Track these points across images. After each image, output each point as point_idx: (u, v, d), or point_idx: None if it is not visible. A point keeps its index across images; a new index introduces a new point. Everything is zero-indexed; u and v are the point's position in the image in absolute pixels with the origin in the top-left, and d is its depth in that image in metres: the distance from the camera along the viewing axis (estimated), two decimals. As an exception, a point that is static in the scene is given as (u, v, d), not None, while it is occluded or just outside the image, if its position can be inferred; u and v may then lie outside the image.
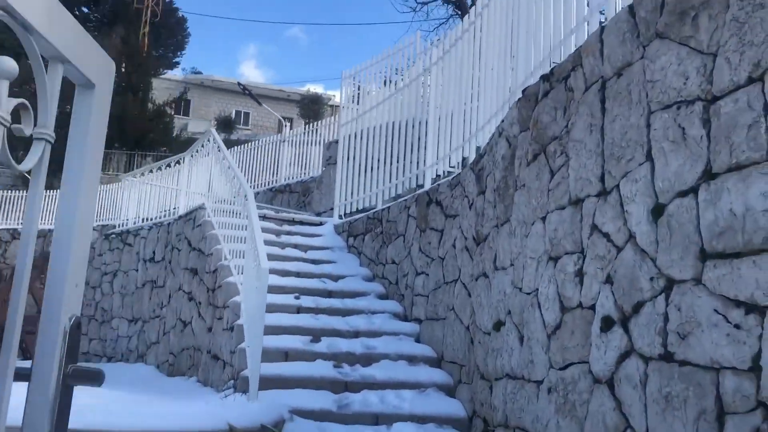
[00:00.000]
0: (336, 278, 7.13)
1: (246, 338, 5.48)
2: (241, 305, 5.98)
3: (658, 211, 2.69)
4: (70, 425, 1.13)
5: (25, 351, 15.33)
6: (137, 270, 9.33)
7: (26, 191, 21.11)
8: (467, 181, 5.40)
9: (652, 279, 2.67)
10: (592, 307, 3.06)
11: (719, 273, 2.34)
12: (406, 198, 6.92)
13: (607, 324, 2.91)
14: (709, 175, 2.45)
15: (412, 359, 5.68)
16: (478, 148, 5.90)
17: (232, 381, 5.50)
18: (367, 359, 5.59)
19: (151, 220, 9.67)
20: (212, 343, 6.53)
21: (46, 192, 21.28)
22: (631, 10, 3.02)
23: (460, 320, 5.25)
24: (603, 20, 3.62)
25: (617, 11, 3.29)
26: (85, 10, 42.27)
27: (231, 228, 7.04)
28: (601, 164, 3.12)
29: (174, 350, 7.69)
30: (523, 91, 4.12)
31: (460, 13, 19.47)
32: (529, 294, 3.69)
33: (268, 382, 5.00)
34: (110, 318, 9.80)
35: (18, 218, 20.71)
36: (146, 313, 8.80)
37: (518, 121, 4.14)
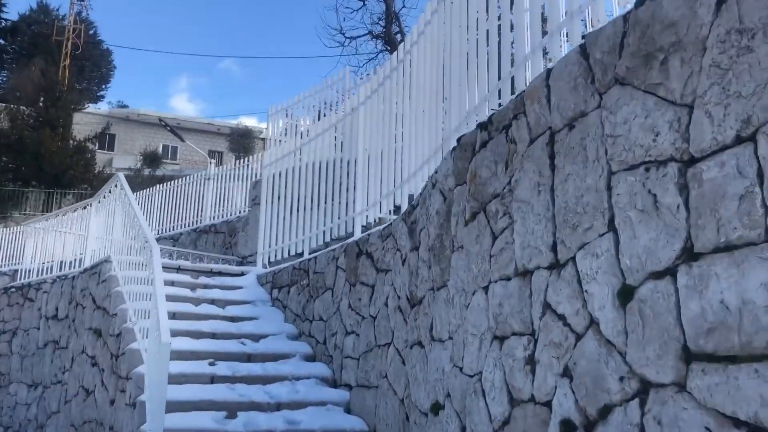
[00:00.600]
0: (257, 338, 6.45)
1: (148, 419, 4.75)
2: (144, 377, 5.23)
3: (625, 295, 2.20)
4: None
5: None
6: (39, 328, 8.39)
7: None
8: (399, 233, 4.87)
9: (622, 379, 2.17)
10: (548, 404, 2.54)
11: (710, 381, 1.85)
12: (334, 248, 6.34)
13: (567, 429, 2.39)
14: (690, 254, 1.97)
15: (341, 434, 5.05)
16: (410, 197, 5.41)
17: (131, 471, 4.74)
18: (290, 437, 4.93)
19: (55, 272, 8.76)
20: (114, 419, 5.73)
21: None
22: (583, 51, 2.57)
23: (393, 391, 4.67)
24: (549, 59, 3.18)
25: (565, 52, 2.84)
26: (1, 41, 40.48)
27: (139, 282, 6.29)
28: (552, 231, 2.64)
29: (75, 422, 6.81)
30: (458, 140, 3.63)
31: (389, 48, 19.23)
32: (471, 377, 3.16)
33: (172, 475, 4.28)
34: (8, 383, 8.76)
35: None
36: (47, 378, 7.86)
37: (453, 173, 3.65)
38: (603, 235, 2.33)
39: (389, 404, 4.72)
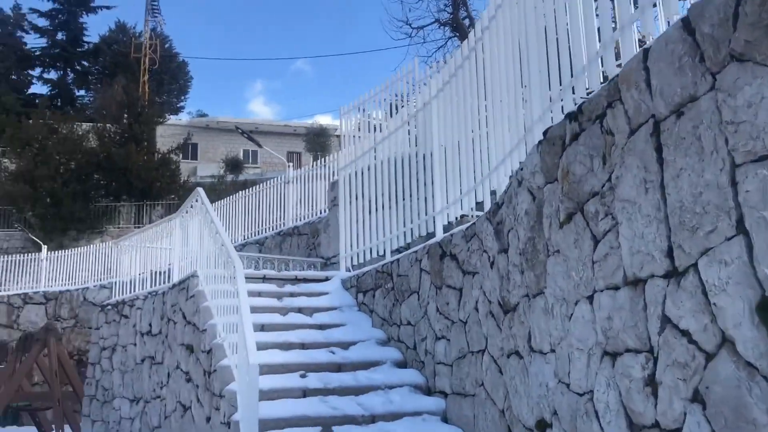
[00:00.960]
0: (346, 345, 6.31)
1: (243, 440, 4.68)
2: (237, 396, 5.18)
3: (767, 310, 1.86)
4: None
5: (39, 425, 14.63)
6: (135, 344, 8.59)
7: (38, 254, 20.63)
8: (485, 234, 4.59)
9: (769, 410, 1.84)
10: (676, 433, 2.22)
11: None
12: (416, 249, 6.11)
13: (702, 464, 2.07)
14: None
15: (440, 446, 4.83)
16: (493, 193, 5.10)
17: (230, 494, 4.69)
18: (388, 452, 4.76)
19: (147, 287, 8.95)
20: (211, 436, 5.73)
21: (55, 253, 20.76)
22: (686, 25, 2.22)
23: (492, 401, 4.41)
24: (641, 36, 2.83)
25: (663, 28, 2.49)
26: (86, 63, 42.38)
27: (226, 296, 6.26)
28: (666, 234, 2.31)
29: (176, 438, 6.90)
30: (545, 133, 3.32)
31: (458, 35, 18.76)
32: (580, 395, 2.86)
33: (270, 498, 4.19)
34: (112, 398, 9.03)
35: (30, 282, 20.17)
36: (147, 393, 8.03)
37: (542, 170, 3.34)
38: (731, 238, 1.99)
39: (489, 415, 4.47)
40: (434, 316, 5.57)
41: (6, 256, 21.06)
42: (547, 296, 3.24)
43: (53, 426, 13.61)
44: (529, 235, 3.51)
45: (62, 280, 20.08)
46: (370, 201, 7.64)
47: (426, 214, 6.44)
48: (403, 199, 6.97)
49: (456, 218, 6.00)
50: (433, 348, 5.55)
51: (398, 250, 6.99)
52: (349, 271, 7.90)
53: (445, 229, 6.03)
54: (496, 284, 4.26)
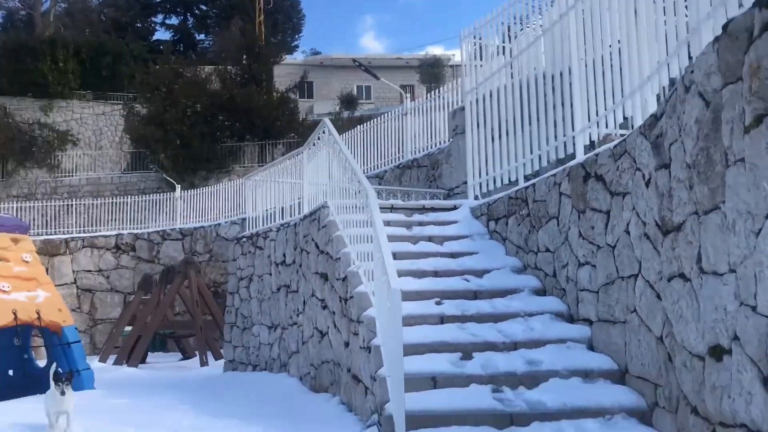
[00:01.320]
0: (480, 273, 6.18)
1: (385, 364, 4.70)
2: (375, 321, 5.20)
3: None
4: None
5: (183, 351, 15.77)
6: (270, 274, 8.89)
7: (172, 193, 21.88)
8: (638, 150, 4.22)
9: None
10: None
11: None
12: (555, 173, 5.80)
13: None
14: None
15: (587, 374, 4.64)
16: (644, 104, 4.68)
17: (375, 416, 4.75)
18: (532, 379, 4.62)
19: (278, 220, 9.18)
20: (351, 361, 5.83)
21: (188, 192, 21.92)
22: None
23: (647, 327, 4.14)
24: None
25: None
26: (204, 7, 43.56)
27: (357, 225, 6.26)
28: None
29: (314, 362, 7.12)
30: (725, 27, 2.91)
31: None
32: (771, 319, 2.56)
33: (417, 420, 4.19)
34: (251, 324, 9.46)
35: (166, 220, 21.45)
36: (284, 320, 8.33)
37: (719, 69, 2.95)
38: None
39: (643, 342, 4.21)
40: (576, 242, 5.30)
41: (144, 196, 22.45)
42: (726, 211, 2.91)
43: (196, 352, 14.63)
44: (701, 146, 3.15)
45: (196, 218, 21.18)
46: (499, 126, 7.33)
47: (564, 135, 6.08)
48: (537, 121, 6.61)
49: (599, 137, 5.61)
50: (576, 275, 5.30)
51: (531, 177, 6.69)
52: (478, 199, 7.70)
53: (586, 150, 5.67)
54: (654, 203, 3.92)
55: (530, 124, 6.74)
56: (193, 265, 14.07)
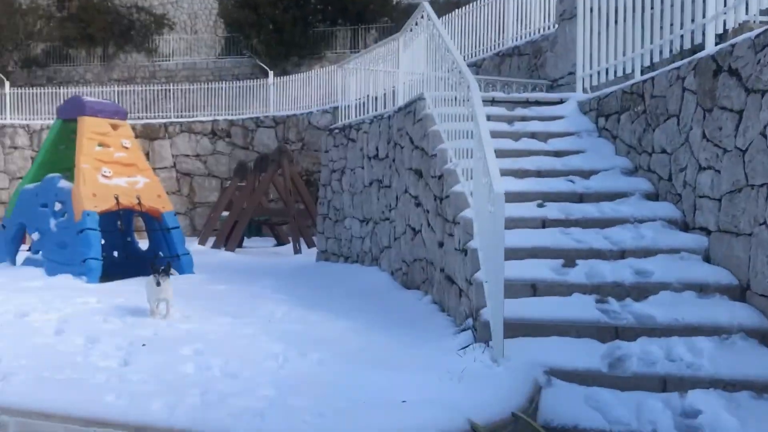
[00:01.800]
0: (587, 174, 5.78)
1: (482, 268, 4.51)
2: (473, 223, 4.97)
3: None
4: None
5: (277, 237, 16.23)
6: (363, 167, 8.75)
7: (265, 79, 21.91)
8: (790, 41, 3.64)
9: None
10: None
11: None
12: (678, 66, 5.20)
13: None
14: None
15: (702, 289, 4.31)
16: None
17: (470, 320, 4.62)
18: (641, 291, 4.34)
19: (371, 111, 8.91)
20: (444, 261, 5.68)
21: (281, 79, 21.87)
22: None
23: (779, 243, 3.73)
24: None
25: None
26: None
27: (456, 120, 5.92)
28: None
29: (406, 259, 7.04)
30: None
31: None
32: None
33: (514, 329, 4.03)
34: (343, 217, 9.45)
35: (260, 107, 21.59)
36: (376, 214, 8.24)
37: None
38: None
39: (773, 259, 3.81)
40: (698, 144, 4.80)
41: (238, 82, 22.59)
42: None
43: (289, 239, 15.03)
44: None
45: (288, 105, 21.20)
46: (615, 10, 6.61)
47: (692, 22, 5.40)
48: (660, 5, 5.89)
49: (734, 25, 4.93)
50: (695, 179, 4.84)
51: (649, 69, 6.07)
52: (586, 92, 7.14)
53: (718, 41, 5.02)
54: (805, 105, 3.40)
55: (651, 8, 6.03)
56: (286, 153, 14.16)
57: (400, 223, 7.34)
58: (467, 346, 4.16)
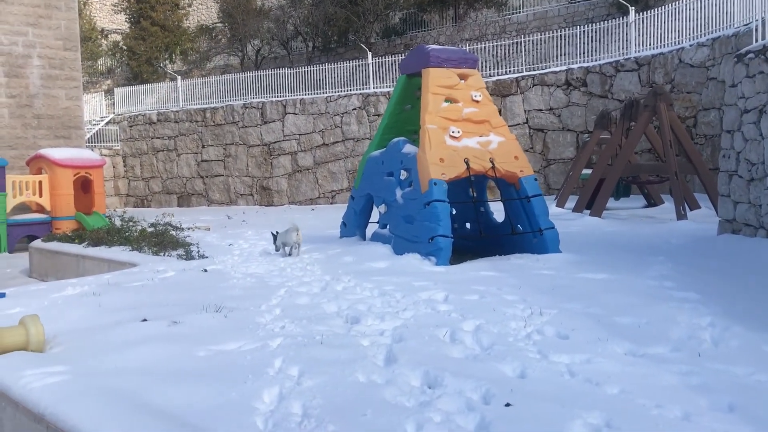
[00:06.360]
0: None
1: None
2: None
3: None
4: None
5: (647, 197, 13.75)
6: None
7: (624, 18, 19.13)
8: None
9: None
10: None
11: None
12: None
13: None
14: None
15: None
16: None
17: None
18: None
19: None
20: None
21: (642, 14, 18.82)
22: None
23: None
24: None
25: None
26: None
27: None
28: None
29: None
30: None
31: None
32: None
33: None
34: (762, 175, 6.81)
35: (619, 49, 18.99)
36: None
37: None
38: None
39: None
40: None
41: (593, 25, 20.22)
42: None
43: (663, 200, 12.46)
44: None
45: (653, 43, 18.17)
46: None
47: None
48: None
49: None
50: None
51: None
52: None
53: None
54: None
55: None
56: (664, 96, 11.50)
57: None
58: None
